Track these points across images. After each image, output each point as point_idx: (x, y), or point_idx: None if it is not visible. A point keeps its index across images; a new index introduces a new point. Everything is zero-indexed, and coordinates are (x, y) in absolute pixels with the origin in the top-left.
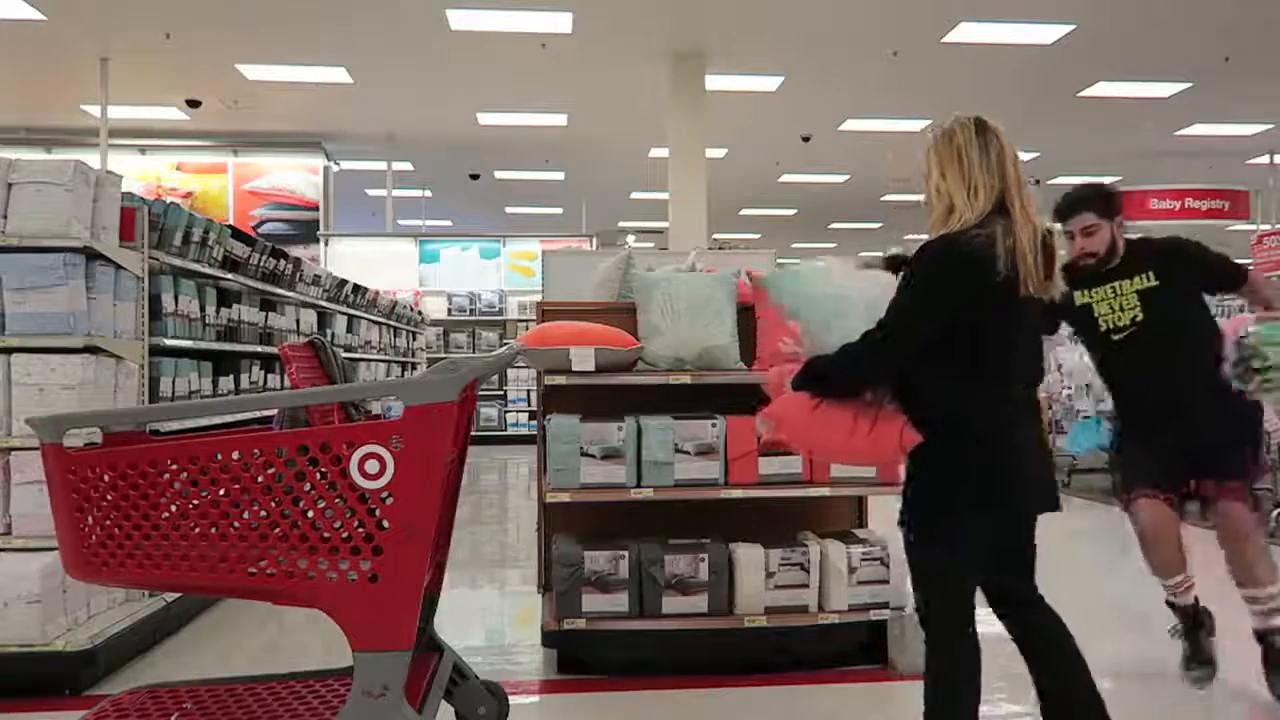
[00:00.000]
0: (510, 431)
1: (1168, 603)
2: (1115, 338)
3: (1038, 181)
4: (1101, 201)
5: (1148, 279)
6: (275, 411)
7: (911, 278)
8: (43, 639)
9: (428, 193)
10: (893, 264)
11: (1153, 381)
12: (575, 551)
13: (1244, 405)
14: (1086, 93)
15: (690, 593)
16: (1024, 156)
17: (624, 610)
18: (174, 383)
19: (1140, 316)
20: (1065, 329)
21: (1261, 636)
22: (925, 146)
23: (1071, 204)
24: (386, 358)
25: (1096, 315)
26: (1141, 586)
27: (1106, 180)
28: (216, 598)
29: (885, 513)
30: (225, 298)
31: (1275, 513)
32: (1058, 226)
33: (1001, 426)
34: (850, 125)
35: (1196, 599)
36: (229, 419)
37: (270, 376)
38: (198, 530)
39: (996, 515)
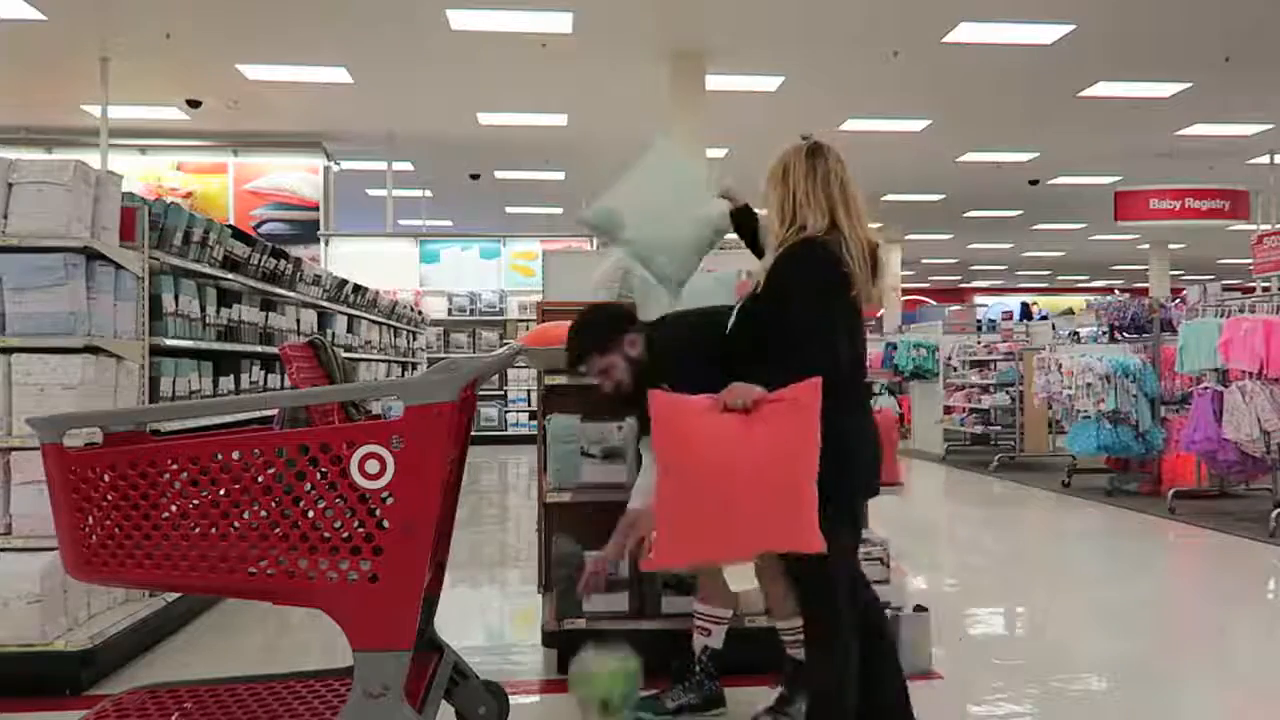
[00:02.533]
0: (510, 431)
1: None
2: None
3: (1034, 182)
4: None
5: None
6: (275, 411)
7: (792, 274)
8: (43, 639)
9: (428, 193)
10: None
11: None
12: (576, 551)
13: None
14: (1086, 93)
15: (690, 592)
16: (1024, 157)
17: (624, 610)
18: (174, 383)
19: None
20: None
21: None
22: (770, 171)
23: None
24: (387, 358)
25: None
26: (1137, 586)
27: (1106, 180)
28: (217, 598)
29: (885, 514)
30: (225, 298)
31: (1275, 513)
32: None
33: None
34: (850, 125)
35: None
36: (229, 419)
37: (270, 376)
38: (198, 530)
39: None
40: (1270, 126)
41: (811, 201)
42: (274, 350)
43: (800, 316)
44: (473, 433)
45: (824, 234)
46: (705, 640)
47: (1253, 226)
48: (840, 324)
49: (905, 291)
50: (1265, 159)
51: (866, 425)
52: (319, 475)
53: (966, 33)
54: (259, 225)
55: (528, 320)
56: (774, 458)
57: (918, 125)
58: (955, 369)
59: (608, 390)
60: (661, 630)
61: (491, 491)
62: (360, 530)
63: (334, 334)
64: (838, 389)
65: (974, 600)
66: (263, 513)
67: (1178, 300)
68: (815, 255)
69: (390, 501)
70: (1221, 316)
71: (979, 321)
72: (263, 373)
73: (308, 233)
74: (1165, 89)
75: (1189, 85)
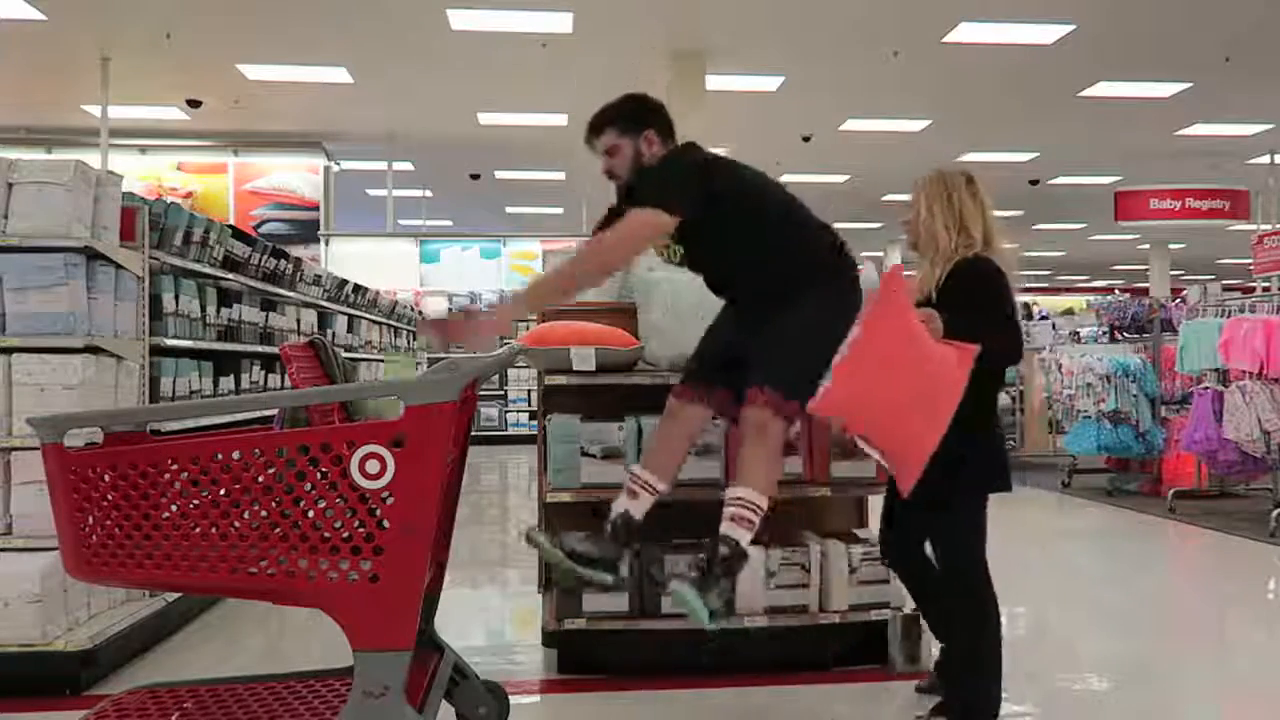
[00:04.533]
0: (510, 431)
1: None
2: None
3: (1035, 182)
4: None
5: None
6: (276, 412)
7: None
8: (43, 639)
9: (428, 192)
10: None
11: None
12: None
13: None
14: (1086, 93)
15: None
16: (1024, 157)
17: (624, 610)
18: (174, 383)
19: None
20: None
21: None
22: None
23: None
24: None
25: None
26: (1137, 586)
27: (1106, 180)
28: (217, 598)
29: None
30: (226, 298)
31: (1275, 513)
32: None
33: None
34: (850, 125)
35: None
36: (230, 419)
37: (271, 376)
38: (198, 530)
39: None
40: (1270, 126)
41: (975, 222)
42: (274, 350)
43: (992, 315)
44: (474, 433)
45: (982, 250)
46: (629, 504)
47: (1253, 226)
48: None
49: None
50: (1265, 159)
51: None
52: (319, 475)
53: (966, 33)
54: (259, 225)
55: (528, 320)
56: (936, 390)
57: (918, 125)
58: None
59: (604, 169)
60: (661, 630)
61: (492, 491)
62: (361, 530)
63: (334, 334)
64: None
65: None
66: (263, 513)
67: (1178, 300)
68: (989, 264)
69: (390, 501)
70: (1222, 316)
71: None
72: (263, 373)
73: (308, 233)
74: (1165, 89)
75: (1189, 85)
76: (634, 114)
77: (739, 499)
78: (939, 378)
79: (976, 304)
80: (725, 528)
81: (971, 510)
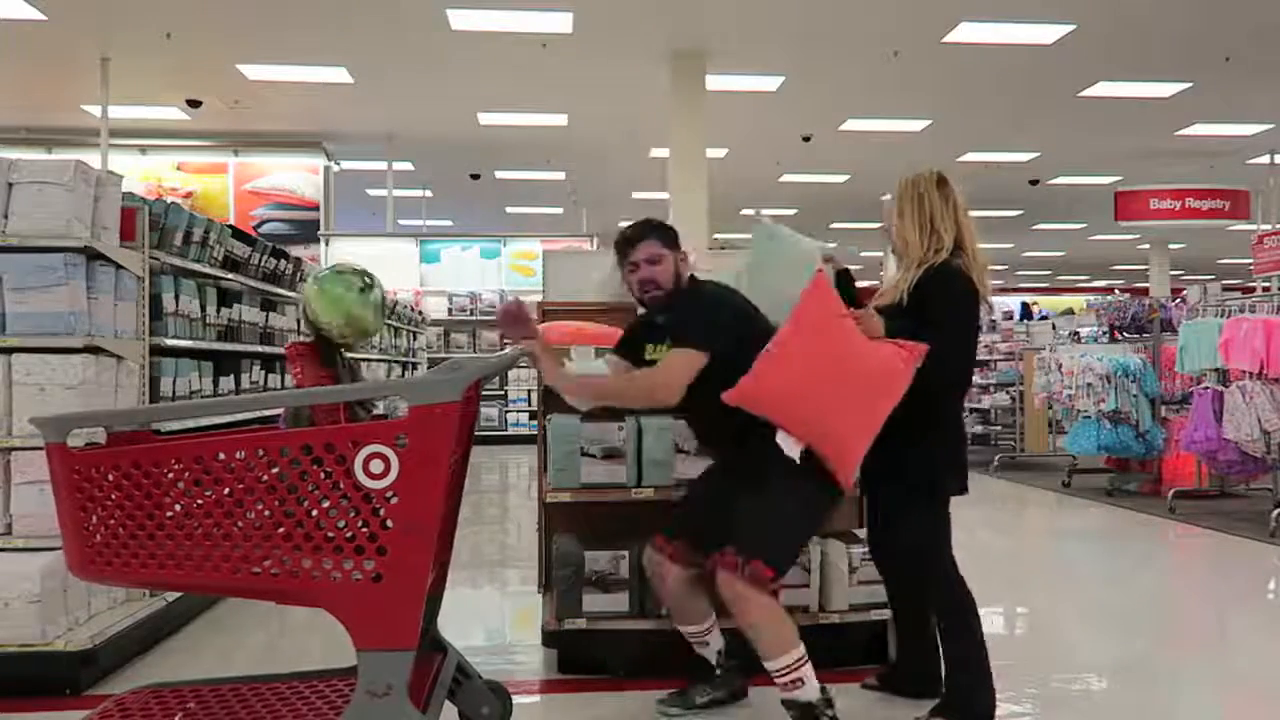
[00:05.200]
0: (511, 431)
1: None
2: None
3: (1035, 182)
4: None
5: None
6: (279, 411)
7: (939, 293)
8: (43, 639)
9: (428, 193)
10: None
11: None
12: (576, 551)
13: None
14: (1086, 93)
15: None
16: (1024, 157)
17: (625, 610)
18: (174, 383)
19: None
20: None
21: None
22: (902, 194)
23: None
24: (387, 358)
25: None
26: (1137, 586)
27: (1106, 180)
28: (218, 597)
29: None
30: (226, 298)
31: (1275, 513)
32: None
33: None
34: (850, 125)
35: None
36: (230, 419)
37: (271, 377)
38: (201, 530)
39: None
40: (1270, 126)
41: (946, 225)
42: (275, 350)
43: (946, 330)
44: (475, 433)
45: (952, 254)
46: (704, 651)
47: (1253, 226)
48: (973, 336)
49: None
50: (1265, 159)
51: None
52: (323, 475)
53: (966, 32)
54: (259, 225)
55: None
56: (869, 387)
57: (918, 125)
58: None
59: (633, 283)
60: (661, 630)
61: (492, 491)
62: (364, 530)
63: None
64: (961, 389)
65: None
66: (266, 512)
67: (1178, 300)
68: (957, 276)
69: (394, 501)
70: (1222, 316)
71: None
72: (263, 373)
73: (308, 233)
74: (1165, 89)
75: (1189, 85)
76: (671, 232)
77: (773, 672)
78: (873, 375)
79: (932, 318)
80: (783, 697)
81: (923, 516)
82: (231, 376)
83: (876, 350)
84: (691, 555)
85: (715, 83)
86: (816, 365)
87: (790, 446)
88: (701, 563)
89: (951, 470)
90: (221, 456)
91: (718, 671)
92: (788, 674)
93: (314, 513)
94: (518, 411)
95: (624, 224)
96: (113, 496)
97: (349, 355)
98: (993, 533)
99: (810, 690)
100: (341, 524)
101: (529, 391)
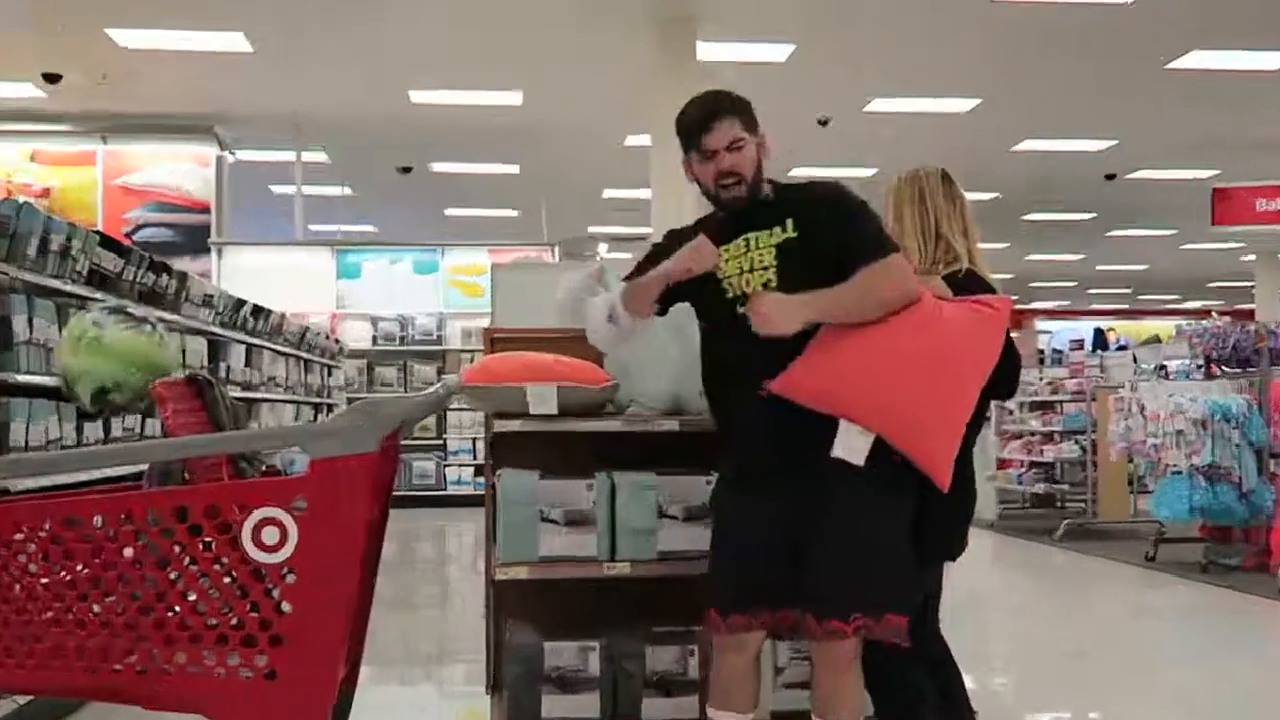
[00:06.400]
0: (450, 491)
1: None
2: (740, 309)
3: (1111, 177)
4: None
5: (785, 230)
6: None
7: None
8: None
9: (347, 190)
10: None
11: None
12: (533, 642)
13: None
14: (1177, 64)
15: (677, 693)
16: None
17: (593, 716)
18: (27, 429)
19: (774, 281)
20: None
21: None
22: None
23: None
24: (295, 398)
25: (722, 277)
26: (1238, 685)
27: (1201, 175)
28: (78, 700)
29: None
30: None
31: None
32: None
33: None
34: (877, 105)
35: None
36: (96, 475)
37: (150, 422)
38: (49, 616)
39: None
40: None
41: (955, 232)
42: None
43: None
44: (406, 492)
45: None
46: None
47: None
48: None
49: None
50: None
51: None
52: (201, 546)
53: None
54: (134, 231)
55: (473, 351)
56: (937, 357)
57: (964, 105)
58: (1011, 412)
59: (708, 177)
60: None
61: (428, 566)
62: (254, 616)
63: (229, 367)
64: (977, 428)
65: (1033, 702)
66: (131, 594)
67: None
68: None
69: (291, 579)
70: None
71: (1041, 352)
72: (139, 417)
73: (196, 240)
74: (1274, 59)
75: None
76: (750, 110)
77: None
78: (958, 340)
79: None
80: None
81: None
82: (100, 423)
83: (955, 310)
84: (769, 622)
85: (708, 52)
86: (884, 340)
87: (854, 449)
88: (785, 631)
89: (962, 528)
90: (75, 522)
91: None
92: None
93: (191, 594)
94: (460, 466)
95: (693, 102)
96: None
97: (235, 397)
98: (1057, 618)
99: None
100: (226, 609)
101: (474, 440)
